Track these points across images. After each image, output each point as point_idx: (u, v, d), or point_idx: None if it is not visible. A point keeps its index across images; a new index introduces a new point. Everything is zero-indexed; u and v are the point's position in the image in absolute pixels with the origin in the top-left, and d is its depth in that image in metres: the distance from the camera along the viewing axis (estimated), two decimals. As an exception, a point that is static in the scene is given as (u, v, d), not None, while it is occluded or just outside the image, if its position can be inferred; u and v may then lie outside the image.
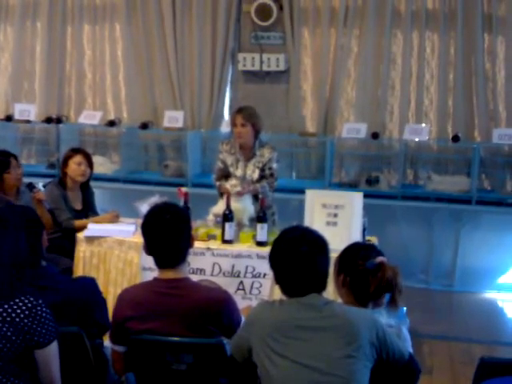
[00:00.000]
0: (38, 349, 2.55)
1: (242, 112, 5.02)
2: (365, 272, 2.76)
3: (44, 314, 2.55)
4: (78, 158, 5.04)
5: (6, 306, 2.51)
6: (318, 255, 2.60)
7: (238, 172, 5.05)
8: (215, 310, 2.85)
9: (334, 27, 6.44)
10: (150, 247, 2.93)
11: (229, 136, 5.46)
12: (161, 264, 2.93)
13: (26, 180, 5.08)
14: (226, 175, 5.09)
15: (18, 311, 2.51)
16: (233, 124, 5.05)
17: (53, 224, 4.82)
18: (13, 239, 2.60)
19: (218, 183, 5.10)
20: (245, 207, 4.68)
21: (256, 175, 5.03)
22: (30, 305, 2.53)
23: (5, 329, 2.49)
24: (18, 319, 2.50)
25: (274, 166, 5.08)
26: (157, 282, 2.93)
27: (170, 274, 2.90)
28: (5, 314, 2.50)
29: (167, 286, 2.87)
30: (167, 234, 2.88)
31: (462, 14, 6.12)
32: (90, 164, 5.12)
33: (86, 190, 5.19)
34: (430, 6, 6.26)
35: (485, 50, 6.18)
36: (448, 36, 6.24)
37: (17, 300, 2.52)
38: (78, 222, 4.92)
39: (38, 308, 2.54)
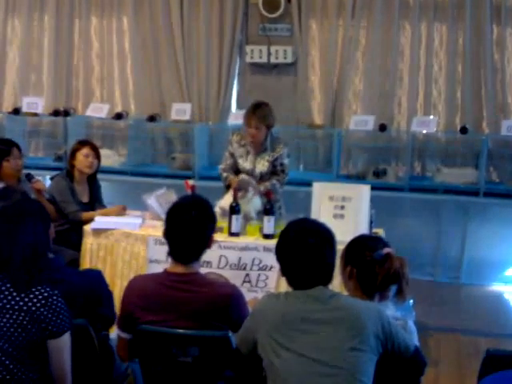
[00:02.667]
0: (52, 339, 2.58)
1: (256, 114, 4.89)
2: (372, 263, 2.76)
3: (59, 304, 2.59)
4: (85, 150, 5.05)
5: (22, 295, 2.55)
6: (324, 247, 2.60)
7: (247, 165, 5.02)
8: (224, 305, 2.84)
9: (342, 19, 6.43)
10: (168, 235, 2.92)
11: (239, 128, 5.45)
12: (174, 256, 2.92)
13: (35, 174, 5.09)
14: (234, 170, 5.08)
15: (35, 300, 2.55)
16: (247, 124, 4.93)
17: (57, 215, 4.82)
18: (31, 231, 2.64)
19: (225, 174, 5.07)
20: (251, 200, 4.67)
21: (265, 169, 5.00)
22: (46, 294, 2.56)
23: (21, 317, 2.53)
24: (34, 308, 2.54)
25: (286, 161, 5.05)
26: (166, 274, 2.92)
27: (180, 269, 2.90)
28: (21, 303, 2.54)
29: (176, 280, 2.87)
30: (189, 231, 2.87)
31: (471, 5, 6.10)
32: (98, 156, 5.13)
33: (93, 182, 5.20)
34: (439, -4, 6.25)
35: (493, 41, 6.16)
36: (456, 27, 6.22)
37: (34, 289, 2.56)
38: (85, 215, 4.93)
39: (54, 298, 2.58)
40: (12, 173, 4.81)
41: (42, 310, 2.55)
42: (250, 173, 5.00)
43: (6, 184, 4.73)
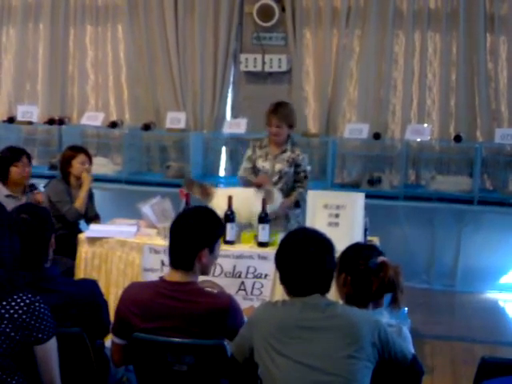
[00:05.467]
0: (37, 345, 2.56)
1: (277, 113, 4.98)
2: (367, 271, 2.77)
3: (42, 310, 2.56)
4: (81, 158, 5.13)
5: (4, 303, 2.52)
6: (324, 256, 2.61)
7: (266, 164, 5.07)
8: (221, 316, 2.83)
9: (336, 28, 6.45)
10: (171, 241, 2.93)
11: (234, 136, 5.54)
12: (170, 261, 2.91)
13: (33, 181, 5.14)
14: (251, 172, 5.15)
15: (17, 307, 2.52)
16: (268, 123, 5.03)
17: (56, 222, 4.84)
18: (9, 239, 2.61)
19: (244, 176, 5.15)
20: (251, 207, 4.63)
21: (285, 167, 5.04)
22: (28, 301, 2.54)
23: (3, 325, 2.50)
24: (16, 315, 2.51)
25: (308, 168, 5.15)
26: (162, 283, 2.92)
27: (178, 277, 2.89)
28: (3, 311, 2.51)
29: (171, 289, 2.86)
30: (182, 235, 2.87)
31: (464, 14, 6.12)
32: (91, 161, 5.24)
33: None
34: (432, 5, 6.27)
35: (487, 49, 6.18)
36: (450, 36, 6.24)
37: (15, 297, 2.53)
38: (76, 204, 5.03)
39: (36, 304, 2.55)
40: (18, 178, 4.86)
41: (24, 316, 2.52)
42: (270, 172, 5.07)
43: (11, 192, 4.77)
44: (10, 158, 4.87)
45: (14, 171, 4.86)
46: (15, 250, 2.64)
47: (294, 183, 5.11)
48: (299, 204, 5.09)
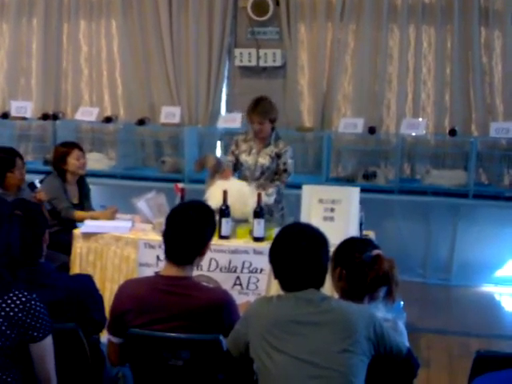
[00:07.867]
0: (33, 343, 2.55)
1: (257, 110, 4.99)
2: (361, 264, 2.76)
3: (38, 308, 2.55)
4: (75, 153, 5.11)
5: (0, 301, 2.51)
6: (317, 250, 2.61)
7: (249, 159, 5.08)
8: (217, 311, 2.83)
9: (331, 22, 6.44)
10: (166, 234, 2.92)
11: (228, 131, 5.51)
12: (170, 256, 2.91)
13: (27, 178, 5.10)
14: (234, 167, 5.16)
15: (13, 305, 2.51)
16: (250, 121, 5.06)
17: (51, 219, 4.82)
18: (4, 233, 2.60)
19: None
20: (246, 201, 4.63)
21: (267, 162, 5.05)
22: (24, 299, 2.53)
23: None
24: (12, 313, 2.50)
25: (290, 161, 5.09)
26: (158, 278, 2.92)
27: (173, 272, 2.88)
28: None
29: (168, 284, 2.85)
30: (183, 229, 2.87)
31: (459, 8, 6.12)
32: (84, 156, 5.22)
33: (82, 184, 5.24)
34: (427, -1, 6.27)
35: (482, 43, 6.18)
36: (445, 30, 6.24)
37: (11, 294, 2.53)
38: (78, 213, 5.00)
39: (32, 302, 2.54)
40: (15, 183, 4.81)
41: (20, 314, 2.51)
42: (253, 167, 5.08)
43: (5, 191, 4.73)
44: (4, 166, 4.77)
45: (10, 177, 4.77)
46: (12, 245, 2.63)
47: (274, 175, 5.10)
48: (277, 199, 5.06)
